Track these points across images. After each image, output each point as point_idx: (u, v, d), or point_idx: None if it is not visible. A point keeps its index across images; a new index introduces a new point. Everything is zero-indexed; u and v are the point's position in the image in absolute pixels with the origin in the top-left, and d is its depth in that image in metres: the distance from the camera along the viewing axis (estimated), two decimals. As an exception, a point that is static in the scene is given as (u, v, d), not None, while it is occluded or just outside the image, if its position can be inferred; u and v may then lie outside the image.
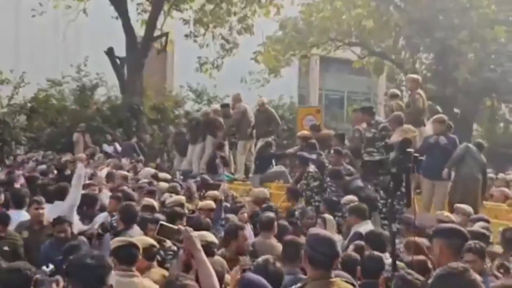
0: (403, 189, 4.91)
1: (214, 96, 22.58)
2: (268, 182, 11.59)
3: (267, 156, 12.30)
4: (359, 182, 8.97)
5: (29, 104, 18.43)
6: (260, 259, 4.37)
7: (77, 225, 6.88)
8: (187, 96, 22.76)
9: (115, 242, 4.57)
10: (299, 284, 3.52)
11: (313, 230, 3.74)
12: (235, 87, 18.18)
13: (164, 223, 3.78)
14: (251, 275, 3.95)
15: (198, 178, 10.86)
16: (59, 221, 6.27)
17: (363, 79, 28.78)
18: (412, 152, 4.73)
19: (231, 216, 7.39)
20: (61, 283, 4.06)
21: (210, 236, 4.84)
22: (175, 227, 3.67)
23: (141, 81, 19.69)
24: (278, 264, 4.27)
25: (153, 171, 11.19)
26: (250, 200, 8.83)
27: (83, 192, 8.24)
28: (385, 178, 6.61)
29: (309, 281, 3.53)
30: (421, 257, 4.78)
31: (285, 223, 6.78)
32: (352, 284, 3.73)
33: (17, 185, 9.03)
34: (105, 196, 8.48)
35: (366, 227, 6.47)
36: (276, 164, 12.42)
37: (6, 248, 5.98)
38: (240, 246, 5.49)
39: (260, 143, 12.84)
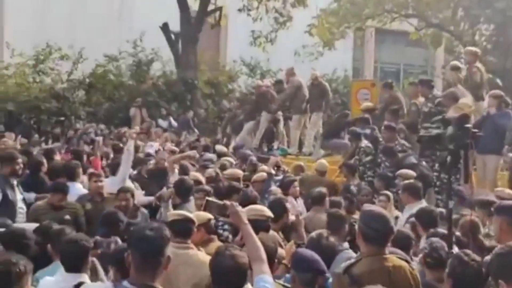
0: (459, 165, 4.81)
1: (267, 70, 22.51)
2: (331, 150, 11.58)
3: (339, 127, 12.25)
4: (413, 159, 8.83)
5: (87, 80, 18.86)
6: (313, 234, 4.40)
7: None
8: (240, 70, 22.76)
9: (172, 215, 4.70)
10: (353, 260, 3.54)
11: (367, 207, 3.73)
12: (289, 61, 18.04)
13: (211, 199, 3.85)
14: (303, 250, 3.98)
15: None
16: (123, 190, 6.57)
17: (420, 51, 27.98)
18: (470, 127, 4.62)
19: (273, 189, 7.41)
20: (119, 243, 4.29)
21: (267, 211, 4.89)
22: (221, 202, 3.75)
23: (195, 56, 19.86)
24: (331, 239, 4.29)
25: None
26: (315, 172, 8.96)
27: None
28: (442, 154, 6.51)
29: (363, 257, 3.54)
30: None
31: (339, 198, 6.75)
32: (406, 261, 3.71)
33: (57, 157, 9.33)
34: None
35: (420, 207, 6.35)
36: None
37: (67, 217, 6.24)
38: (286, 221, 5.55)
39: (314, 117, 12.80)
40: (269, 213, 4.88)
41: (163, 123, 17.39)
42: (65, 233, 4.57)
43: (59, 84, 18.36)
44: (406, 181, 7.18)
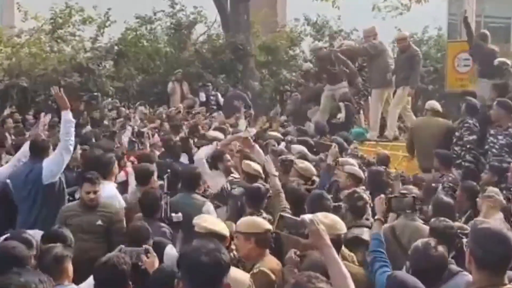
0: None
1: (338, 30, 22.25)
2: None
3: None
4: None
5: (116, 47, 19.06)
6: (419, 243, 4.32)
7: None
8: (304, 32, 22.60)
9: (198, 226, 4.86)
10: (461, 291, 3.45)
11: (481, 223, 3.60)
12: (365, 18, 17.78)
13: (286, 214, 3.79)
14: (404, 275, 3.91)
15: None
16: None
17: (537, 2, 27.11)
18: None
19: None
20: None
21: (342, 227, 4.78)
22: (298, 218, 3.68)
23: (248, 15, 19.84)
24: (441, 249, 4.22)
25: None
26: None
27: None
28: None
29: (476, 287, 3.44)
30: None
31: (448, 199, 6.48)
32: (532, 292, 3.56)
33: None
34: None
35: None
36: None
37: (99, 223, 6.37)
38: None
39: (399, 91, 12.55)
40: (342, 228, 4.79)
41: (203, 96, 17.34)
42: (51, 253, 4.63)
43: (81, 53, 18.63)
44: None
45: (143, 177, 7.28)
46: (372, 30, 13.33)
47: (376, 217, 5.11)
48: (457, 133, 9.57)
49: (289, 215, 3.83)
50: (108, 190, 6.96)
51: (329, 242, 3.47)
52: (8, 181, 7.20)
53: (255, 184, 6.87)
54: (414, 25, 21.07)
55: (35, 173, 6.86)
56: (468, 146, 9.29)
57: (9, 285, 2.28)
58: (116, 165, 7.55)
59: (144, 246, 4.84)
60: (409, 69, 12.35)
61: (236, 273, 4.45)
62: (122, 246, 4.79)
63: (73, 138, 6.96)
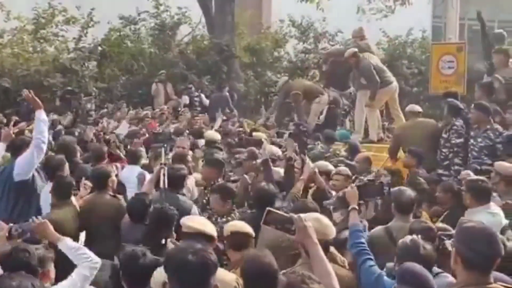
0: None
1: (323, 32, 22.30)
2: None
3: None
4: None
5: (99, 48, 19.02)
6: (407, 240, 4.33)
7: None
8: (289, 33, 22.65)
9: (184, 226, 4.83)
10: (448, 291, 3.47)
11: (466, 222, 3.61)
12: (350, 20, 17.83)
13: (273, 209, 3.81)
14: (411, 264, 3.94)
15: None
16: None
17: (522, 4, 27.28)
18: None
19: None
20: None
21: (331, 229, 4.73)
22: (287, 214, 3.71)
23: (233, 16, 19.90)
24: (429, 247, 4.25)
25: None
26: None
27: None
28: None
29: (461, 286, 3.45)
30: None
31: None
32: (515, 290, 3.61)
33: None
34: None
35: (481, 216, 5.99)
36: None
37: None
38: None
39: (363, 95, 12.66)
40: (331, 231, 4.68)
41: (186, 99, 17.30)
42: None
43: (64, 54, 18.57)
44: (472, 178, 6.97)
45: (99, 181, 6.84)
46: (359, 31, 13.43)
47: (351, 207, 5.02)
48: (444, 135, 9.60)
49: (277, 211, 3.85)
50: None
51: (315, 240, 3.50)
52: None
53: (226, 183, 6.93)
54: (399, 27, 21.20)
55: (8, 171, 6.99)
56: (455, 149, 9.32)
57: None
58: (67, 167, 7.24)
59: (32, 218, 4.82)
60: (365, 81, 12.41)
61: (222, 274, 4.45)
62: (11, 224, 4.74)
63: (46, 136, 7.04)
